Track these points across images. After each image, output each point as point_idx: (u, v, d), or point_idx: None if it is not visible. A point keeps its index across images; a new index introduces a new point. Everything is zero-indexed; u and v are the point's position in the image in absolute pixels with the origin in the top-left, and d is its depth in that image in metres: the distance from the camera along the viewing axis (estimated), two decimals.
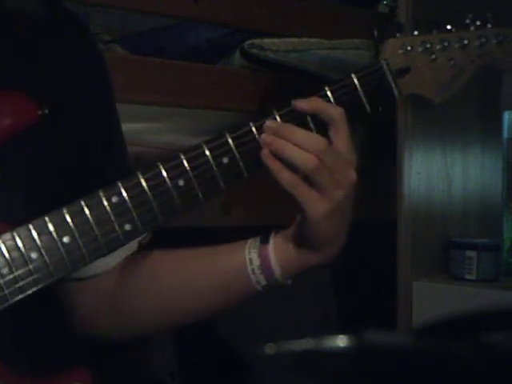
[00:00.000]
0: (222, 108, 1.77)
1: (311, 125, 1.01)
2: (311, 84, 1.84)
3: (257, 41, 1.82)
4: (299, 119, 1.01)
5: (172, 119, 1.72)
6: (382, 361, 0.51)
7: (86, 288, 1.12)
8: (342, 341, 0.51)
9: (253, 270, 1.04)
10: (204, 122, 1.75)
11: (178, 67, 1.72)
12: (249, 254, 1.04)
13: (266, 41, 1.82)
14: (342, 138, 0.99)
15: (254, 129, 1.00)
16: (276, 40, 1.84)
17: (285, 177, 0.97)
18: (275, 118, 1.00)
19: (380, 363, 0.51)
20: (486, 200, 1.90)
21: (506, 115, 1.82)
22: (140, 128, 1.67)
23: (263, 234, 1.06)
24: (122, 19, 2.08)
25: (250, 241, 1.05)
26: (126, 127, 1.63)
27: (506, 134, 1.83)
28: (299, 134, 0.99)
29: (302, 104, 1.01)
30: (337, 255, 1.04)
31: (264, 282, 1.04)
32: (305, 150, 0.97)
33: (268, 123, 1.00)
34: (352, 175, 0.99)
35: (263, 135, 0.99)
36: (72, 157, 1.08)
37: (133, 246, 1.10)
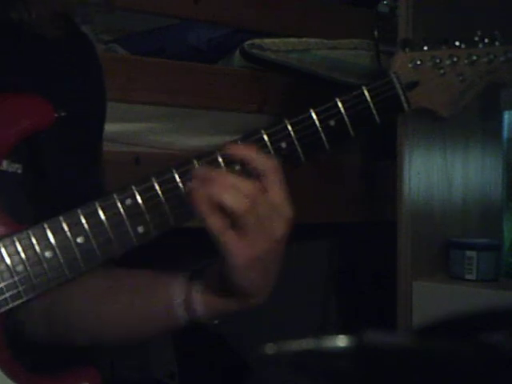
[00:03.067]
0: (222, 108, 1.77)
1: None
2: (311, 84, 1.84)
3: (257, 41, 1.82)
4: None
5: (172, 119, 1.72)
6: (381, 361, 0.51)
7: (35, 304, 1.09)
8: (342, 341, 0.51)
9: (178, 303, 1.02)
10: (204, 121, 1.75)
11: (178, 67, 1.72)
12: (178, 286, 1.03)
13: (266, 41, 1.82)
14: (274, 190, 0.95)
15: (265, 136, 1.00)
16: (276, 40, 1.84)
17: (212, 221, 0.93)
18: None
19: (380, 363, 0.51)
20: (486, 200, 1.90)
21: (506, 115, 1.82)
22: (140, 128, 1.67)
23: (197, 270, 1.04)
24: (122, 19, 2.08)
25: (183, 274, 1.04)
26: (127, 127, 1.64)
27: (506, 134, 1.84)
28: (232, 178, 0.95)
29: (234, 149, 0.98)
30: (261, 304, 1.01)
31: (187, 318, 1.02)
32: (237, 192, 0.93)
33: (197, 170, 0.96)
34: (281, 229, 0.95)
35: (193, 182, 0.95)
36: (75, 162, 1.10)
37: None
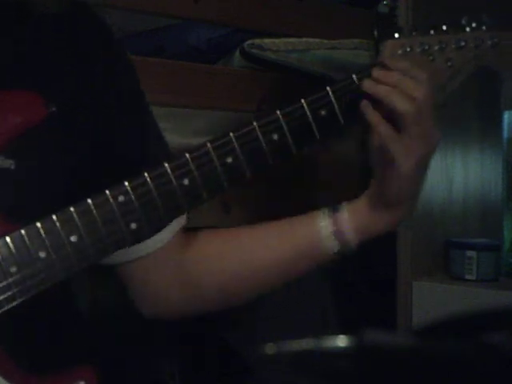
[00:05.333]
0: (222, 108, 1.77)
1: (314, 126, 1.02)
2: (311, 84, 1.84)
3: (257, 41, 1.82)
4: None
5: (172, 119, 1.72)
6: (381, 361, 0.51)
7: (138, 268, 1.14)
8: (342, 341, 0.51)
9: (327, 236, 1.09)
10: (204, 121, 1.75)
11: (178, 67, 1.72)
12: (321, 221, 1.09)
13: (266, 41, 1.82)
14: (425, 115, 1.03)
15: (257, 128, 0.99)
16: (276, 40, 1.84)
17: (383, 129, 1.01)
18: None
19: (380, 363, 0.51)
20: (486, 200, 1.90)
21: (506, 115, 1.82)
22: None
23: (334, 205, 1.10)
24: (122, 19, 2.08)
25: (322, 210, 1.10)
26: None
27: (506, 134, 1.83)
28: (405, 80, 1.02)
29: (388, 63, 1.05)
30: (407, 218, 1.10)
31: (337, 248, 1.09)
32: (408, 96, 1.01)
33: (375, 70, 1.04)
34: (436, 137, 1.05)
35: (366, 81, 1.03)
36: (83, 155, 1.08)
37: (182, 220, 1.13)
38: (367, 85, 1.03)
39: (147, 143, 1.15)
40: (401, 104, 1.01)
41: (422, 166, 1.05)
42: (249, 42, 1.81)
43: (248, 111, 1.78)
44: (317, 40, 1.89)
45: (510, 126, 1.82)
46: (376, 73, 1.04)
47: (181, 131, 1.72)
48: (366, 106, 1.03)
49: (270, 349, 0.52)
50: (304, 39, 1.88)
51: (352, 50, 1.90)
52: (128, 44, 1.91)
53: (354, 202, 1.09)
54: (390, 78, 1.03)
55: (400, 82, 1.02)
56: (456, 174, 1.84)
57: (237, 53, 1.84)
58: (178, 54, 1.88)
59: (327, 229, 1.09)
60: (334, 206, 1.10)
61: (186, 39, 1.95)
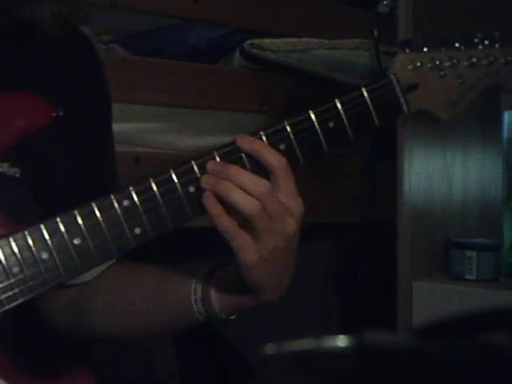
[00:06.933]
0: (222, 108, 1.77)
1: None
2: (311, 84, 1.84)
3: (257, 41, 1.82)
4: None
5: (172, 119, 1.72)
6: (382, 361, 0.51)
7: (59, 294, 1.12)
8: (342, 341, 0.51)
9: (195, 300, 1.03)
10: (204, 121, 1.75)
11: (178, 67, 1.72)
12: (195, 283, 1.04)
13: (266, 41, 1.82)
14: (282, 187, 0.96)
15: (264, 138, 0.99)
16: (276, 40, 1.84)
17: (223, 222, 0.95)
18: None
19: (380, 363, 0.51)
20: (486, 200, 1.90)
21: (506, 115, 1.82)
22: (140, 128, 1.67)
23: (212, 266, 1.05)
24: (122, 19, 2.08)
25: (200, 272, 1.05)
26: (127, 127, 1.64)
27: (506, 134, 1.84)
28: (243, 176, 0.96)
29: (243, 142, 0.98)
30: (277, 300, 1.02)
31: (204, 314, 1.04)
32: (248, 193, 0.94)
33: (210, 164, 0.97)
34: (291, 226, 0.96)
35: (205, 176, 0.96)
36: (76, 162, 1.10)
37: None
38: (205, 181, 0.96)
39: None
40: (240, 202, 0.94)
41: (275, 260, 0.97)
42: (249, 41, 1.81)
43: (248, 111, 1.78)
44: (317, 40, 1.89)
45: (510, 126, 1.83)
46: (211, 166, 0.96)
47: (181, 131, 1.72)
48: (207, 197, 0.95)
49: (269, 349, 0.52)
50: (304, 39, 1.88)
51: (352, 50, 1.91)
52: (128, 44, 1.92)
53: (226, 270, 1.02)
54: (226, 173, 0.95)
55: (238, 177, 0.95)
56: (456, 174, 1.84)
57: (237, 53, 1.84)
58: (177, 53, 1.88)
59: (197, 293, 1.04)
60: (211, 268, 1.05)
61: (186, 39, 1.95)
